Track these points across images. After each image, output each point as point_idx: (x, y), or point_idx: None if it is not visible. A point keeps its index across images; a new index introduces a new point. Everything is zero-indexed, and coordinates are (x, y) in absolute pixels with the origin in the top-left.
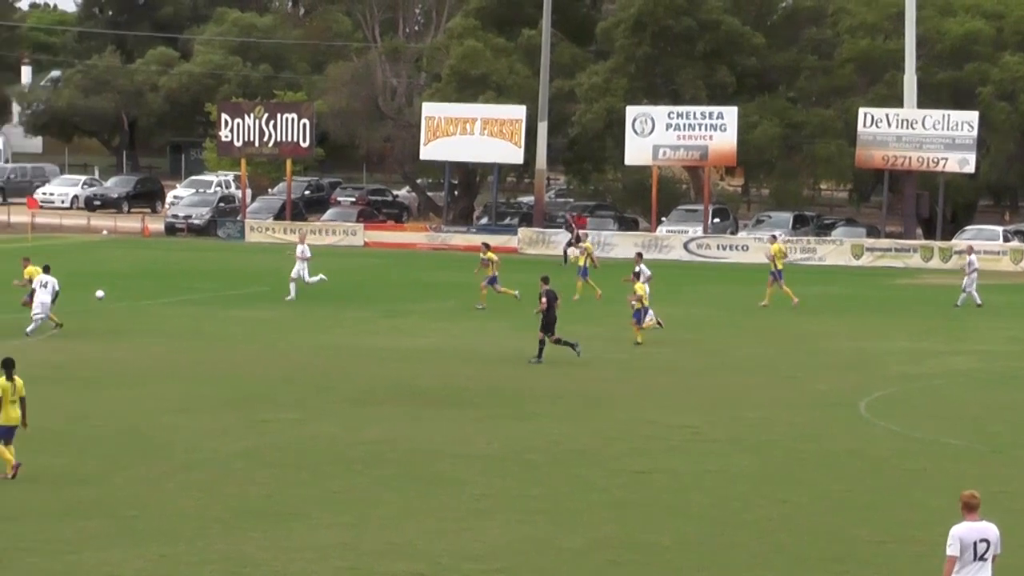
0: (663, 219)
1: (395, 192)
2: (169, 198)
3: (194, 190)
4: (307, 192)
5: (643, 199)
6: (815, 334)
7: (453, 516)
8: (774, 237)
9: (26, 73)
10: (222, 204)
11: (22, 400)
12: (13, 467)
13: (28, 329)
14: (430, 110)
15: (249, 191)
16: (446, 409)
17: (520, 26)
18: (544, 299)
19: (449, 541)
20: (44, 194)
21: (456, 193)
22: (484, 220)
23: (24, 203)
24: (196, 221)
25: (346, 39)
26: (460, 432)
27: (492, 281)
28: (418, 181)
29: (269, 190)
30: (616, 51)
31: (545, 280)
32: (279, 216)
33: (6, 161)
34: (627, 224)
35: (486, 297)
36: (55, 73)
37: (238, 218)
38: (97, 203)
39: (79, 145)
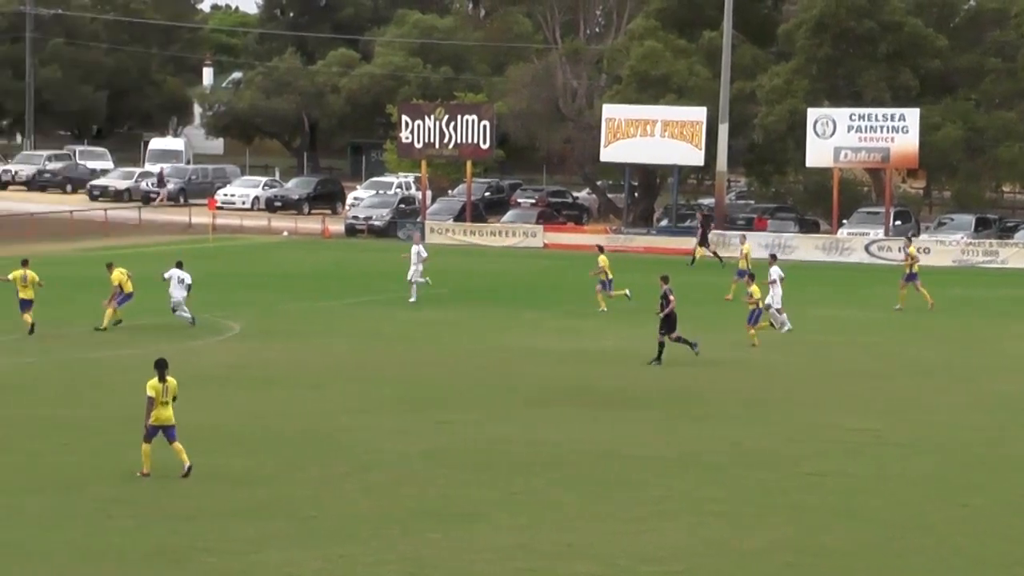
0: (844, 221)
1: (575, 194)
2: (349, 199)
3: (374, 191)
4: (487, 193)
5: (824, 201)
6: (997, 337)
7: (631, 518)
8: (909, 240)
9: (208, 75)
10: (402, 205)
11: (174, 399)
12: (144, 473)
13: (189, 320)
14: (610, 112)
15: (429, 192)
16: (624, 411)
17: (701, 28)
18: (671, 298)
19: (627, 543)
20: (225, 195)
21: (636, 195)
22: (664, 222)
23: (205, 204)
24: (376, 222)
25: (527, 41)
26: (639, 434)
27: (605, 285)
28: (598, 183)
29: (449, 191)
30: (797, 52)
31: (665, 279)
32: (459, 218)
33: (187, 162)
34: (808, 226)
35: (616, 297)
36: (236, 74)
37: (418, 219)
38: (278, 204)
39: (260, 146)
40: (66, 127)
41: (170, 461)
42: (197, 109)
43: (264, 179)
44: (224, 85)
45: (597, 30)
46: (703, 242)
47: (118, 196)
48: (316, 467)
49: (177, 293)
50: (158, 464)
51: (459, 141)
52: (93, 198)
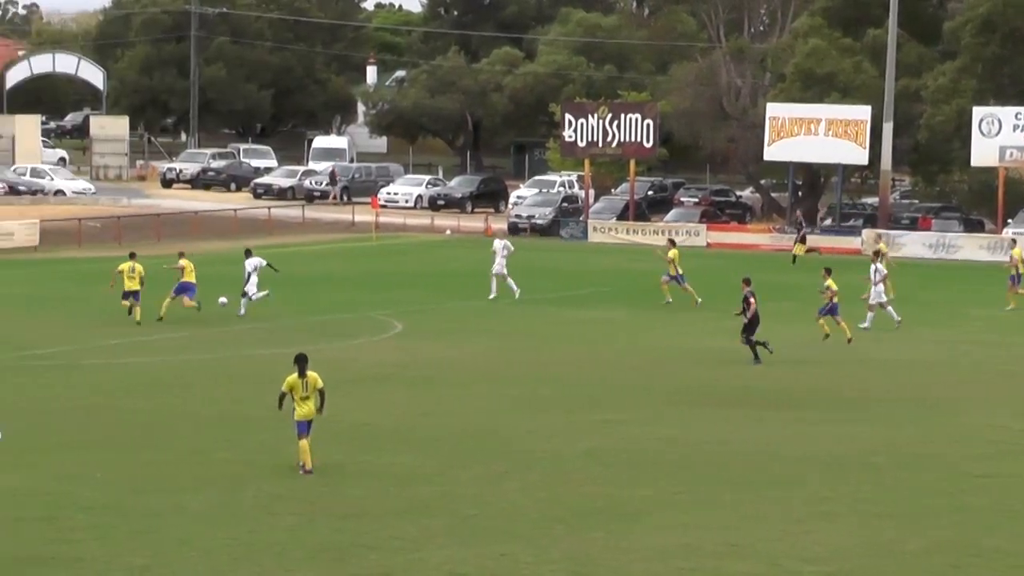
0: (1009, 221)
1: (738, 193)
2: (512, 198)
3: (537, 190)
4: (650, 192)
5: (989, 200)
6: None
7: (793, 518)
8: (1014, 241)
9: (371, 73)
10: (565, 204)
11: (321, 392)
12: (306, 468)
13: (258, 295)
14: (774, 110)
15: (592, 191)
16: (785, 411)
17: (865, 26)
18: (752, 301)
19: (789, 543)
20: (388, 194)
21: (800, 194)
22: (828, 221)
23: (368, 203)
24: (539, 221)
25: (691, 39)
26: (799, 434)
27: (677, 279)
28: (762, 182)
29: (612, 190)
30: (963, 51)
31: (747, 282)
32: (622, 216)
33: (351, 161)
34: (972, 226)
35: (688, 292)
36: (400, 73)
37: (581, 218)
38: (441, 203)
39: (423, 145)
40: (230, 125)
41: (331, 459)
42: (361, 107)
43: (427, 178)
44: (388, 84)
45: (761, 28)
46: (802, 240)
47: (281, 194)
48: (477, 465)
49: (254, 280)
50: (321, 462)
51: (622, 140)
52: (257, 196)
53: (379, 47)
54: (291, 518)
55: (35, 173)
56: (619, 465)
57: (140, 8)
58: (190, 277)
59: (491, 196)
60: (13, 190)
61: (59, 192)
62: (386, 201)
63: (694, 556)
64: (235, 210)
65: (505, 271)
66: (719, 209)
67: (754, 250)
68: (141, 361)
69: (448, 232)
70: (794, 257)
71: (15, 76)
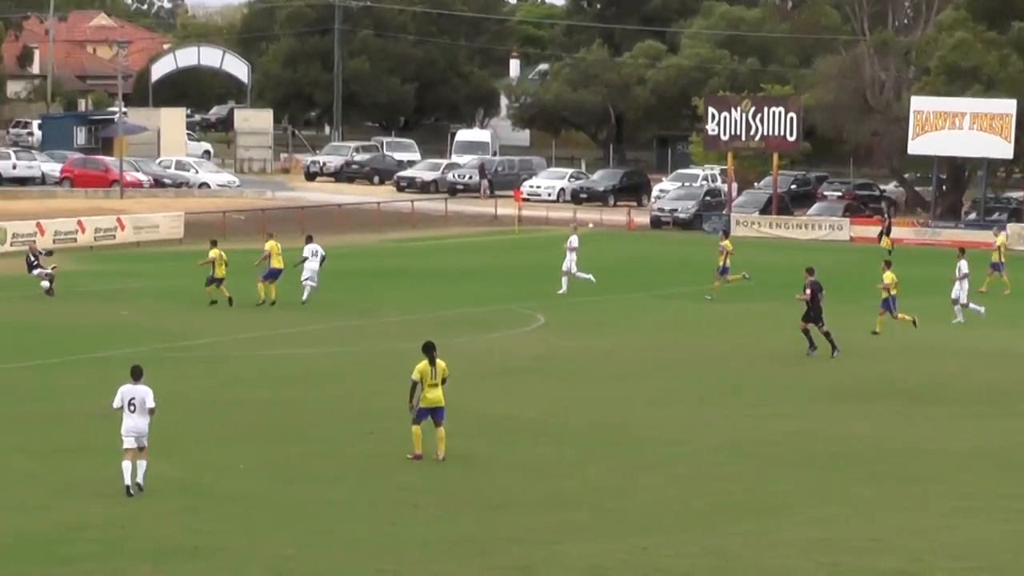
0: None
1: (882, 187)
2: (655, 192)
3: (680, 183)
4: (793, 186)
5: None
6: None
7: (935, 513)
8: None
9: (514, 67)
10: (708, 198)
11: (444, 380)
12: (415, 455)
13: (303, 298)
14: (919, 104)
15: (735, 185)
16: (930, 406)
17: (1011, 19)
18: (808, 290)
19: (931, 538)
20: (531, 187)
21: (944, 188)
22: (972, 215)
23: (511, 195)
24: (681, 215)
25: (834, 32)
26: (942, 429)
27: (723, 271)
28: (905, 175)
29: (755, 184)
30: None
31: (810, 271)
32: (765, 210)
33: (493, 154)
34: None
35: (733, 281)
36: (543, 66)
37: (724, 212)
38: (583, 196)
39: (566, 138)
40: (373, 119)
41: (471, 451)
42: (503, 101)
43: (570, 171)
44: (531, 77)
45: (905, 21)
46: (887, 231)
47: (425, 188)
48: (618, 458)
49: (313, 265)
50: (463, 454)
51: (765, 133)
52: (400, 189)
53: (522, 40)
54: (432, 510)
55: (180, 166)
56: (760, 458)
57: (284, 2)
58: (277, 263)
59: (633, 189)
60: (158, 183)
61: (204, 185)
62: (528, 194)
63: (834, 551)
64: (378, 203)
65: (574, 267)
66: (863, 203)
67: (897, 244)
68: (282, 353)
69: (590, 225)
70: (889, 251)
71: (160, 70)
